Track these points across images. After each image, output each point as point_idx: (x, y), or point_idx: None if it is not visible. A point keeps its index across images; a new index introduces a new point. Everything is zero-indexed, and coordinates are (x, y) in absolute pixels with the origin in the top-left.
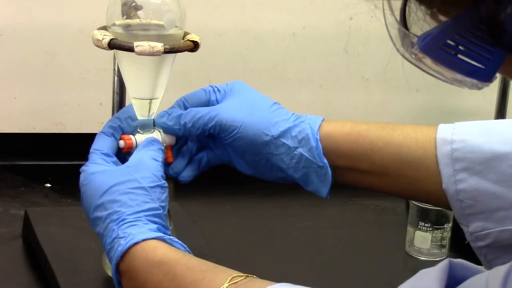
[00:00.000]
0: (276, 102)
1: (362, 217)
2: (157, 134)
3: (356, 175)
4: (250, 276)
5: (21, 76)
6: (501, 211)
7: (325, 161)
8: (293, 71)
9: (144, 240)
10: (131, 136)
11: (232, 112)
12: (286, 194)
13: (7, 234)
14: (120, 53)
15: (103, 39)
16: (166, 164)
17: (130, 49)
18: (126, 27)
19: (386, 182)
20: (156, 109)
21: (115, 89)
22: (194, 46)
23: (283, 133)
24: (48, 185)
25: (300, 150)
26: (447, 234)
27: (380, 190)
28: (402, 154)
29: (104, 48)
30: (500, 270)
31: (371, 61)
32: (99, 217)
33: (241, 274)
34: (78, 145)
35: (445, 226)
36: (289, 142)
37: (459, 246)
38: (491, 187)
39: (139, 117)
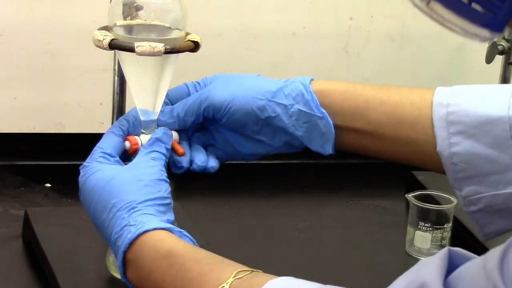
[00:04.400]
0: (259, 75)
1: (362, 217)
2: None
3: (352, 136)
4: (255, 271)
5: (21, 76)
6: (494, 175)
7: (323, 111)
8: (293, 71)
9: (154, 229)
10: (136, 137)
11: (220, 90)
12: (286, 194)
13: (7, 234)
14: (123, 54)
15: (103, 39)
16: (178, 157)
17: (131, 50)
18: (127, 27)
19: (381, 143)
20: (159, 109)
21: (115, 89)
22: (195, 46)
23: (276, 94)
24: (48, 185)
25: (296, 106)
26: (447, 234)
27: (377, 154)
28: (397, 113)
29: (104, 49)
30: (496, 250)
31: (371, 61)
32: (103, 207)
33: (246, 268)
34: (78, 145)
35: (445, 226)
36: (284, 101)
37: (459, 246)
38: (485, 151)
39: (143, 118)
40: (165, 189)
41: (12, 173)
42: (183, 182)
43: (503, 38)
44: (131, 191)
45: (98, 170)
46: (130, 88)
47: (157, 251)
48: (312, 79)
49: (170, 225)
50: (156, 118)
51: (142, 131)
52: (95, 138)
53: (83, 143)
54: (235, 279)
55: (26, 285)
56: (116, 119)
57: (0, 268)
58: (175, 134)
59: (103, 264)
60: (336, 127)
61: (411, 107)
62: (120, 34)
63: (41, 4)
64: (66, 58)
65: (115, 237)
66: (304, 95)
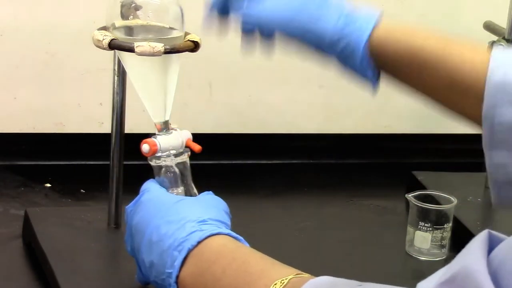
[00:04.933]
0: None
1: (362, 217)
2: (175, 133)
3: (403, 87)
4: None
5: (21, 76)
6: None
7: (369, 74)
8: (293, 71)
9: (227, 234)
10: (154, 139)
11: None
12: (286, 194)
13: (7, 234)
14: (124, 56)
15: (103, 39)
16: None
17: (131, 50)
18: (127, 28)
19: (431, 99)
20: (170, 109)
21: (115, 89)
22: (195, 46)
23: (330, 46)
24: (48, 185)
25: (345, 61)
26: (447, 234)
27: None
28: (453, 80)
29: (104, 49)
30: None
31: None
32: (169, 220)
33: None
34: (78, 145)
35: (445, 226)
36: (335, 53)
37: (459, 246)
38: None
39: (155, 120)
40: (228, 218)
41: (12, 173)
42: None
43: (503, 38)
44: (199, 210)
45: (165, 194)
46: (137, 91)
47: (225, 246)
48: (375, 24)
49: (241, 237)
50: (168, 118)
51: (157, 132)
52: (95, 138)
53: (83, 143)
54: (295, 276)
55: (26, 285)
56: (116, 119)
57: (0, 268)
58: (188, 133)
59: (103, 264)
60: (388, 74)
61: (469, 74)
62: (119, 34)
63: (41, 4)
64: (66, 58)
65: (181, 241)
66: (355, 58)
